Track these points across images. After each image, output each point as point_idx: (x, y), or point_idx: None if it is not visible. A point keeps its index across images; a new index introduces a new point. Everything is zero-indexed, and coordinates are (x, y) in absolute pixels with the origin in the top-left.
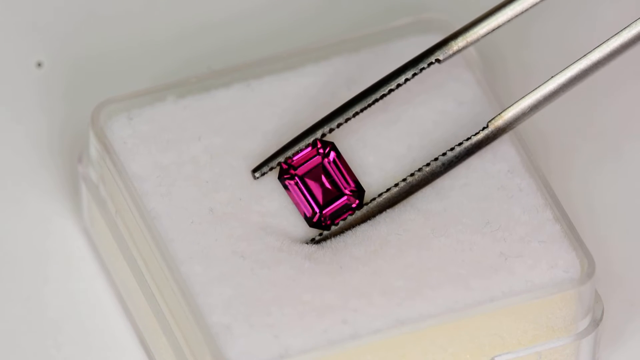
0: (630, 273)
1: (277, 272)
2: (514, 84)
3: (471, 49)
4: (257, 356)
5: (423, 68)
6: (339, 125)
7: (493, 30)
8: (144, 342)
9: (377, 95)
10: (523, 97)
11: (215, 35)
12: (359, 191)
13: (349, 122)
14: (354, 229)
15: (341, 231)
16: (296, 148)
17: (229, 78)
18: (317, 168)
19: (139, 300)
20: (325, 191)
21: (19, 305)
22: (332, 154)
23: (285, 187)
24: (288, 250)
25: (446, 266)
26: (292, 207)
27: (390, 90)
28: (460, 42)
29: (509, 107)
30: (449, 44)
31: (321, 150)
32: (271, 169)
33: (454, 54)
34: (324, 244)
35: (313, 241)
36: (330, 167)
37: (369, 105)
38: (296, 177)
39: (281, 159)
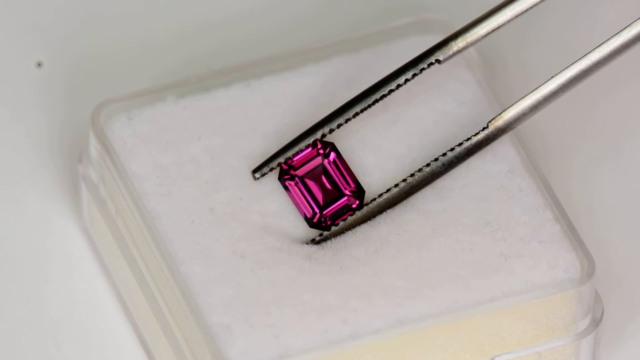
0: (630, 273)
1: (277, 272)
2: (514, 84)
3: (471, 49)
4: (257, 356)
5: (423, 68)
6: (339, 126)
7: (493, 30)
8: (144, 342)
9: (377, 95)
10: (523, 97)
11: (215, 35)
12: (359, 192)
13: (349, 122)
14: (354, 229)
15: (341, 231)
16: (296, 149)
17: (229, 78)
18: (317, 169)
19: (139, 300)
20: (326, 192)
21: (19, 305)
22: (333, 155)
23: (286, 187)
24: (288, 250)
25: (446, 266)
26: (293, 207)
27: (390, 91)
28: (460, 43)
29: (509, 107)
30: (449, 44)
31: (321, 151)
32: (271, 169)
33: (454, 54)
34: (324, 244)
35: (313, 241)
36: (331, 167)
37: (369, 106)
38: (296, 178)
39: (281, 159)
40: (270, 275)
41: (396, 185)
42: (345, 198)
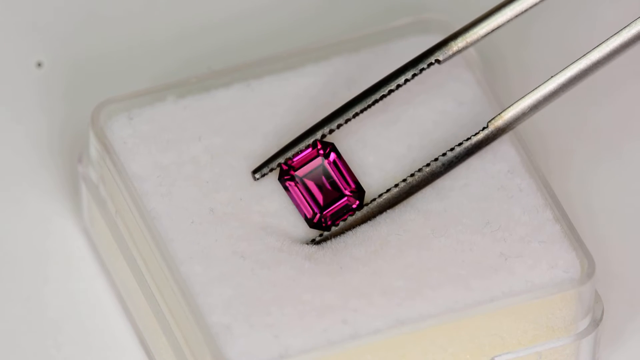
0: (630, 273)
1: (277, 272)
2: (514, 84)
3: (471, 49)
4: (257, 356)
5: (423, 68)
6: (339, 126)
7: (493, 30)
8: (144, 342)
9: (377, 95)
10: (523, 97)
11: (215, 35)
12: (359, 192)
13: (348, 122)
14: (354, 229)
15: (341, 232)
16: (296, 149)
17: (229, 78)
18: (317, 169)
19: (139, 300)
20: (326, 192)
21: (19, 305)
22: (333, 155)
23: (286, 188)
24: (288, 250)
25: (446, 266)
26: (293, 207)
27: (390, 91)
28: (460, 43)
29: (509, 107)
30: (449, 44)
31: (321, 151)
32: (271, 170)
33: (454, 54)
34: (324, 244)
35: (313, 242)
36: (331, 168)
37: (369, 106)
38: (296, 178)
39: (281, 160)
40: (270, 275)
41: (396, 185)
42: (345, 198)
